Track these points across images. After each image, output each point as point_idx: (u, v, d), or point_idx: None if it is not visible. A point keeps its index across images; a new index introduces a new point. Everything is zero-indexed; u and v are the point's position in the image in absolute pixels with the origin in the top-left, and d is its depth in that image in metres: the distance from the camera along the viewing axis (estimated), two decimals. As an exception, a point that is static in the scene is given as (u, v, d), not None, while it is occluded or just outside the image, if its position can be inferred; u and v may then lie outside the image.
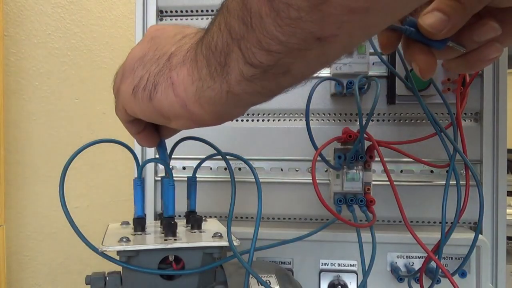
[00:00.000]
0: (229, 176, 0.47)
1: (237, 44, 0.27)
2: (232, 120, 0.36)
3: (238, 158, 0.51)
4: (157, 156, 0.53)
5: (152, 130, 0.42)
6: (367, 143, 0.52)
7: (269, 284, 0.46)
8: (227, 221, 0.46)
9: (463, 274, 0.54)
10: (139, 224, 0.47)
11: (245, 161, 0.51)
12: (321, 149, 0.49)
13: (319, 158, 0.50)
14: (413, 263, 0.58)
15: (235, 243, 0.43)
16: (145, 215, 0.48)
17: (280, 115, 0.64)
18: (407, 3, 0.24)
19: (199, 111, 0.32)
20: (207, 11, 0.65)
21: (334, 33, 0.24)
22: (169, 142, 0.48)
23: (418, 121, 0.61)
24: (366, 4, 0.22)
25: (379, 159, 0.52)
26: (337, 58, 0.28)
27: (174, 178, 0.47)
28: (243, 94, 0.29)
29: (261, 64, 0.27)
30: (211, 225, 0.52)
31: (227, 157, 0.49)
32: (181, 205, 0.53)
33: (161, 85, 0.32)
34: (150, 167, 0.64)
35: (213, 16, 0.30)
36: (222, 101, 0.30)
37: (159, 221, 0.53)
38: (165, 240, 0.44)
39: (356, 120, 0.62)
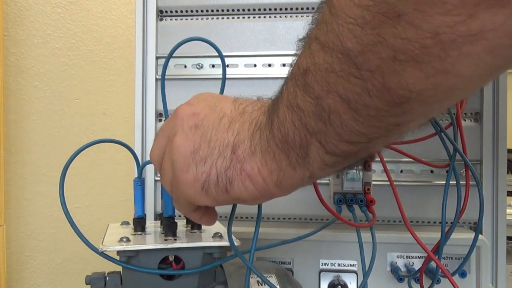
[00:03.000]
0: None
1: (316, 138, 0.27)
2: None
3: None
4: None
5: (213, 209, 0.41)
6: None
7: (270, 283, 0.46)
8: (228, 220, 0.46)
9: (463, 274, 0.54)
10: (139, 224, 0.47)
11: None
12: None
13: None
14: (413, 263, 0.58)
15: (235, 243, 0.43)
16: (145, 215, 0.48)
17: (280, 115, 0.63)
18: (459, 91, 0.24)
19: (279, 193, 0.34)
20: (207, 11, 0.65)
21: (413, 119, 0.25)
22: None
23: (418, 121, 0.61)
24: (440, 97, 0.23)
25: (379, 159, 0.52)
26: (410, 131, 0.29)
27: (174, 178, 0.47)
28: (324, 174, 0.31)
29: (343, 153, 0.27)
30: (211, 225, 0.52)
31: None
32: (181, 205, 0.53)
33: (237, 180, 0.32)
34: (150, 167, 0.64)
35: (270, 106, 0.31)
36: (303, 184, 0.32)
37: (159, 221, 0.53)
38: (165, 240, 0.44)
39: (356, 120, 0.62)
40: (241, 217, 0.63)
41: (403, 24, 0.21)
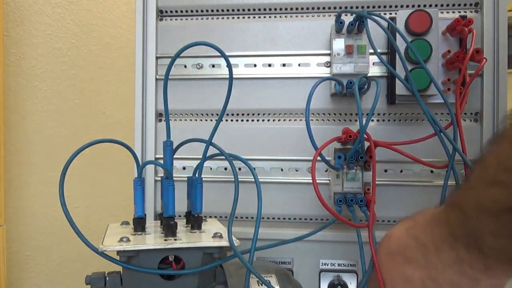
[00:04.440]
0: (229, 176, 0.47)
1: None
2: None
3: (239, 159, 0.51)
4: (157, 156, 0.53)
5: None
6: (367, 143, 0.52)
7: (269, 284, 0.46)
8: (228, 220, 0.46)
9: (463, 274, 0.54)
10: (139, 224, 0.47)
11: (245, 162, 0.51)
12: (321, 149, 0.49)
13: (319, 158, 0.50)
14: (413, 263, 0.58)
15: (235, 243, 0.43)
16: (145, 215, 0.48)
17: (280, 115, 0.64)
18: None
19: None
20: (207, 11, 0.65)
21: None
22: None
23: (418, 121, 0.61)
24: None
25: (378, 159, 0.51)
26: None
27: (174, 178, 0.47)
28: None
29: None
30: (211, 225, 0.52)
31: (216, 158, 0.49)
32: (181, 205, 0.53)
33: None
34: (150, 167, 0.64)
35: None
36: None
37: (159, 221, 0.53)
38: (165, 240, 0.44)
39: (356, 120, 0.62)
40: (241, 217, 0.63)
41: None
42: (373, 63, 0.60)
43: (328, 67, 0.62)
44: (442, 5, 0.61)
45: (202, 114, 0.65)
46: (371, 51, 0.57)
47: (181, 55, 0.47)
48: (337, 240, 0.60)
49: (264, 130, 0.63)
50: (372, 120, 0.61)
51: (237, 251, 0.42)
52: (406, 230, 0.40)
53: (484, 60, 0.55)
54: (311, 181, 0.46)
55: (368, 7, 0.61)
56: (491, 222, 0.30)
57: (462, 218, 0.33)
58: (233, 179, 0.48)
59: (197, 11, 0.65)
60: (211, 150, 0.51)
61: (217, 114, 0.64)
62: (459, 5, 0.61)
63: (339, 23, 0.57)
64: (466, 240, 0.33)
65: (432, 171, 0.60)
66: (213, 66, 0.64)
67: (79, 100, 1.15)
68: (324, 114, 0.63)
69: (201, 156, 0.50)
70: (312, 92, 0.52)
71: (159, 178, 0.64)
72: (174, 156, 0.50)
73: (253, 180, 0.48)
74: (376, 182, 0.59)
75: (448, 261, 0.34)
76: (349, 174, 0.54)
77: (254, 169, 0.63)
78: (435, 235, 0.36)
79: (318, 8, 0.63)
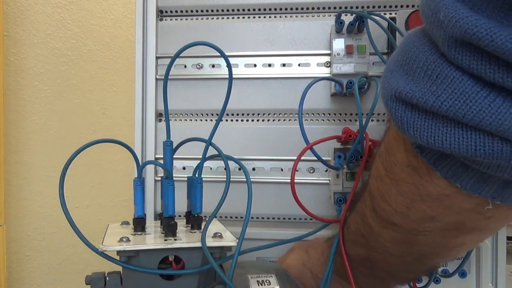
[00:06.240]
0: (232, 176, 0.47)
1: None
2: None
3: (233, 160, 0.51)
4: (157, 156, 0.53)
5: None
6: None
7: (269, 284, 0.46)
8: (209, 218, 0.46)
9: (463, 274, 0.54)
10: (139, 224, 0.47)
11: (238, 163, 0.51)
12: (312, 145, 0.49)
13: (318, 158, 0.50)
14: (413, 263, 0.58)
15: (234, 244, 0.44)
16: (145, 215, 0.48)
17: (280, 115, 0.64)
18: None
19: None
20: (207, 11, 0.65)
21: None
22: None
23: (418, 121, 0.61)
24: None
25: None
26: None
27: (174, 178, 0.47)
28: None
29: None
30: (211, 225, 0.52)
31: (216, 158, 0.49)
32: (181, 205, 0.53)
33: None
34: (150, 167, 0.64)
35: None
36: None
37: (159, 221, 0.53)
38: (165, 240, 0.44)
39: (356, 120, 0.62)
40: (241, 217, 0.63)
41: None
42: (373, 63, 0.60)
43: (328, 67, 0.62)
44: (442, 5, 0.60)
45: (202, 114, 0.65)
46: (371, 51, 0.57)
47: (181, 55, 0.47)
48: (337, 240, 0.60)
49: (264, 130, 0.63)
50: (372, 120, 0.61)
51: (213, 261, 0.41)
52: (302, 263, 0.51)
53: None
54: (311, 181, 0.47)
55: (368, 7, 0.61)
56: (359, 268, 0.43)
57: (340, 264, 0.45)
58: (234, 180, 0.48)
59: (197, 11, 0.65)
60: (211, 150, 0.51)
61: (217, 114, 0.64)
62: (459, 5, 0.60)
63: (339, 23, 0.57)
64: (347, 277, 0.43)
65: (432, 171, 0.60)
66: (213, 66, 0.64)
67: (79, 100, 1.15)
68: (324, 114, 0.63)
69: (201, 156, 0.50)
70: (306, 91, 0.51)
71: (159, 178, 0.64)
72: (174, 156, 0.50)
73: (253, 180, 0.48)
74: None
75: None
76: (349, 174, 0.54)
77: (254, 169, 0.63)
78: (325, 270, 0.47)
79: (318, 8, 0.63)
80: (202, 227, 0.50)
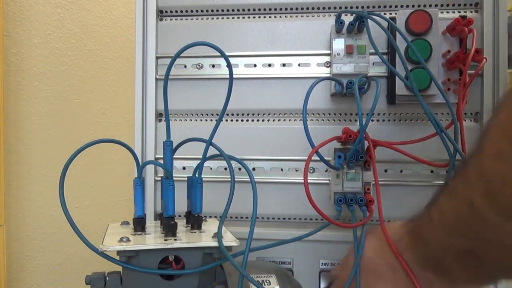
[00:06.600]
0: (229, 177, 0.47)
1: None
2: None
3: (235, 160, 0.51)
4: (157, 156, 0.53)
5: None
6: (367, 143, 0.52)
7: (269, 284, 0.46)
8: (220, 220, 0.46)
9: (463, 274, 0.54)
10: (139, 224, 0.47)
11: (241, 163, 0.51)
12: (318, 148, 0.49)
13: (317, 158, 0.50)
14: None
15: (234, 243, 0.43)
16: (145, 215, 0.48)
17: (280, 115, 0.64)
18: None
19: None
20: (207, 11, 0.65)
21: None
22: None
23: (418, 121, 0.61)
24: None
25: (378, 159, 0.51)
26: None
27: (174, 178, 0.47)
28: None
29: None
30: (211, 225, 0.52)
31: (216, 158, 0.49)
32: (181, 205, 0.53)
33: None
34: (150, 167, 0.64)
35: None
36: None
37: (159, 221, 0.53)
38: (165, 240, 0.44)
39: (356, 120, 0.62)
40: (241, 217, 0.63)
41: None
42: (373, 63, 0.60)
43: (328, 67, 0.62)
44: (442, 5, 0.61)
45: (202, 114, 0.65)
46: (371, 51, 0.57)
47: (181, 55, 0.47)
48: (337, 240, 0.60)
49: (264, 130, 0.63)
50: (372, 120, 0.61)
51: (229, 255, 0.41)
52: (375, 252, 0.46)
53: (484, 60, 0.55)
54: (311, 181, 0.47)
55: (368, 7, 0.61)
56: (455, 260, 0.36)
57: (428, 253, 0.39)
58: (234, 179, 0.48)
59: (197, 11, 0.65)
60: (211, 150, 0.51)
61: (217, 114, 0.64)
62: (459, 5, 0.61)
63: (339, 23, 0.57)
64: (434, 267, 0.39)
65: (432, 171, 0.60)
66: (213, 66, 0.64)
67: (79, 100, 1.15)
68: (324, 114, 0.63)
69: (201, 156, 0.50)
70: (309, 91, 0.51)
71: (159, 178, 0.64)
72: (174, 156, 0.50)
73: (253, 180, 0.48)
74: (376, 182, 0.59)
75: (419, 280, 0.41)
76: (349, 174, 0.54)
77: (254, 169, 0.63)
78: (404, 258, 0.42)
79: (318, 8, 0.63)
80: (202, 227, 0.50)
